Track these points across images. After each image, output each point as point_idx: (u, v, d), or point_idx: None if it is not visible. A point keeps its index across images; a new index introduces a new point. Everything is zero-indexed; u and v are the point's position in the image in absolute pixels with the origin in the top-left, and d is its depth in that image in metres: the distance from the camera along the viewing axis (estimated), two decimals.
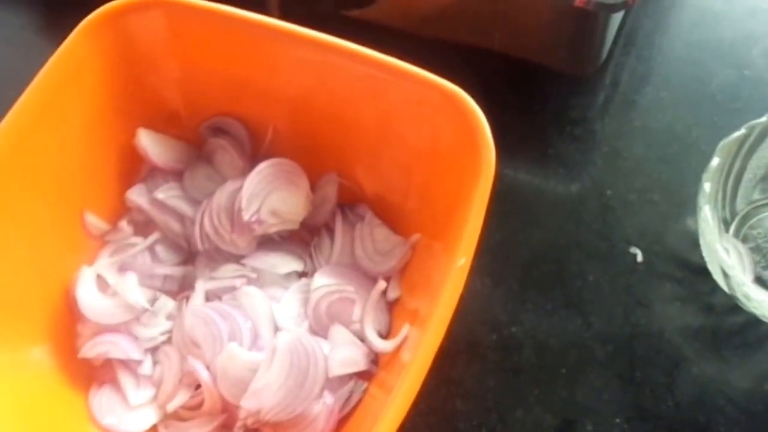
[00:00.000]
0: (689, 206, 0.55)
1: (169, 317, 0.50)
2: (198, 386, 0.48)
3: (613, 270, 0.54)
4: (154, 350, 0.50)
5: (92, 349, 0.49)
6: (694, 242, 0.53)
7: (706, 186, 0.49)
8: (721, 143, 0.50)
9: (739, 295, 0.49)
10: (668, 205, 0.57)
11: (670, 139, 0.59)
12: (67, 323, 0.50)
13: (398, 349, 0.45)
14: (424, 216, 0.49)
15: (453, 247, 0.42)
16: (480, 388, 0.51)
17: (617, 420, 0.49)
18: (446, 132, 0.46)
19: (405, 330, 0.45)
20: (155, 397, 0.48)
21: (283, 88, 0.51)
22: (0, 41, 0.68)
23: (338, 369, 0.45)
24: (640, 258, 0.54)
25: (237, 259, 0.51)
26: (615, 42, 0.62)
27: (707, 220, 0.48)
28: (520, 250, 0.56)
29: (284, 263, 0.51)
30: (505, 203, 0.55)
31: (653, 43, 0.64)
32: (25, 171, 0.47)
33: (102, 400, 0.48)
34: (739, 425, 0.49)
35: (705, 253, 0.51)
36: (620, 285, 0.54)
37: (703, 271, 0.52)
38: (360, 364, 0.46)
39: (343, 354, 0.46)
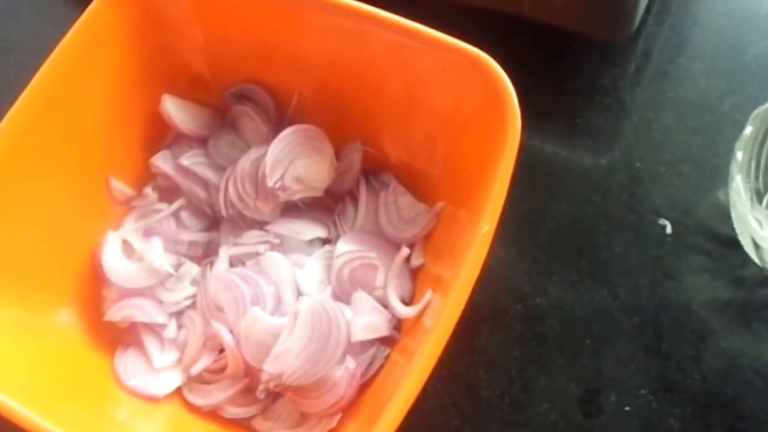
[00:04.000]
0: (720, 178, 0.54)
1: (194, 282, 0.51)
2: (221, 350, 0.48)
3: (641, 242, 0.53)
4: (178, 315, 0.50)
5: (117, 312, 0.49)
6: (725, 215, 0.52)
7: (739, 155, 0.48)
8: (755, 111, 0.49)
9: None
10: (699, 176, 0.56)
11: (702, 109, 0.58)
12: (93, 287, 0.50)
13: (421, 315, 0.45)
14: (448, 184, 0.49)
15: (477, 214, 0.41)
16: (503, 358, 0.51)
17: (642, 391, 0.49)
18: (472, 98, 0.45)
19: (428, 296, 0.44)
20: (179, 361, 0.49)
21: (309, 54, 0.50)
22: (25, 8, 0.68)
23: (361, 334, 0.45)
24: (669, 230, 0.54)
25: (261, 225, 0.51)
26: (648, 10, 0.61)
27: (739, 190, 0.47)
28: (546, 221, 0.55)
29: (308, 230, 0.51)
30: (531, 173, 0.54)
31: (688, 12, 0.63)
32: (50, 137, 0.47)
33: (127, 362, 0.48)
34: (767, 398, 0.48)
35: (736, 225, 0.50)
36: (648, 257, 0.53)
37: (734, 244, 0.51)
38: (382, 329, 0.46)
39: (366, 319, 0.46)
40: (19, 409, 0.39)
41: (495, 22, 0.58)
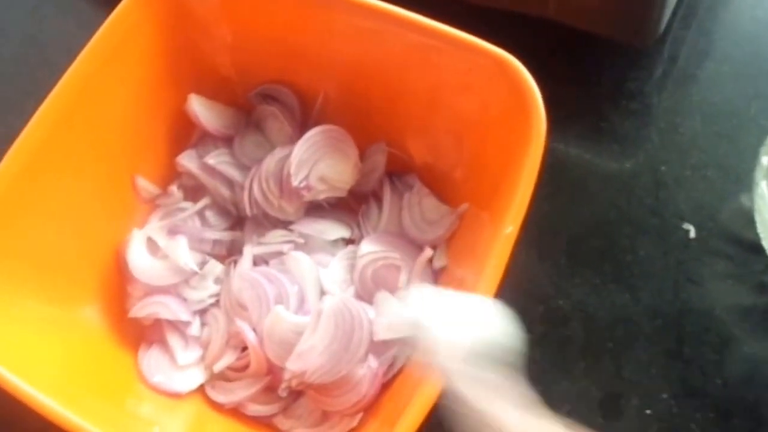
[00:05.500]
0: (745, 183, 0.54)
1: (217, 281, 0.51)
2: (244, 348, 0.48)
3: (664, 246, 0.53)
4: (202, 312, 0.51)
5: (142, 309, 0.50)
6: (749, 220, 0.51)
7: (764, 160, 0.48)
8: None
9: None
10: (723, 181, 0.55)
11: (728, 114, 0.58)
12: (118, 284, 0.51)
13: None
14: (472, 186, 0.49)
15: (500, 216, 0.41)
16: (525, 360, 0.50)
17: (664, 396, 0.49)
18: (497, 100, 0.45)
19: None
20: (202, 358, 0.49)
21: (334, 55, 0.51)
22: (52, 8, 0.69)
23: (383, 334, 0.45)
24: (692, 234, 0.53)
25: (285, 224, 0.52)
26: (675, 14, 0.60)
27: (764, 195, 0.47)
28: (569, 224, 0.55)
29: (332, 230, 0.51)
30: (555, 177, 0.54)
31: (716, 16, 0.62)
32: (78, 136, 0.48)
33: (151, 359, 0.49)
34: None
35: (760, 230, 0.50)
36: (671, 261, 0.53)
37: (757, 249, 0.50)
38: (405, 329, 0.46)
39: (388, 320, 0.46)
40: (47, 402, 0.40)
41: (520, 25, 0.58)
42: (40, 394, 0.40)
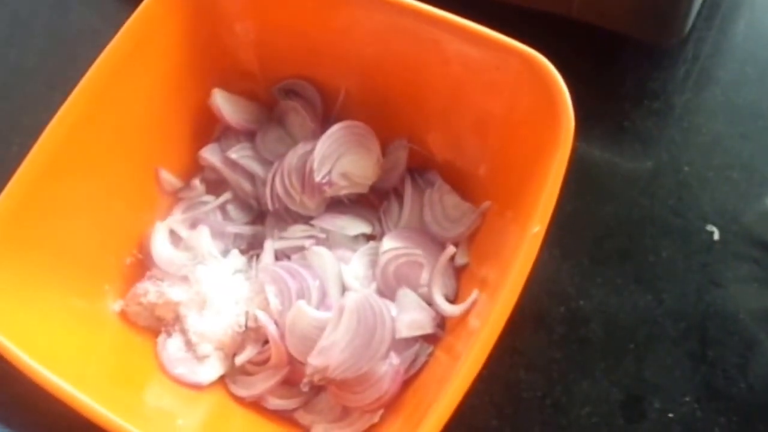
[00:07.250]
0: None
1: (238, 273, 0.51)
2: (266, 342, 0.48)
3: (687, 247, 0.53)
4: None
5: None
6: None
7: None
8: None
9: None
10: (747, 183, 0.55)
11: (752, 115, 0.57)
12: (140, 276, 0.51)
13: (466, 314, 0.45)
14: (495, 183, 0.49)
15: (527, 215, 0.41)
16: (545, 360, 0.50)
17: (686, 399, 0.48)
18: (524, 99, 0.45)
19: (474, 295, 0.44)
20: (223, 350, 0.49)
21: (356, 50, 0.51)
22: (76, 2, 0.69)
23: (405, 331, 0.45)
24: (716, 236, 0.53)
25: (306, 220, 0.52)
26: (699, 14, 0.60)
27: None
28: (590, 224, 0.55)
29: (353, 225, 0.51)
30: (577, 176, 0.53)
31: (739, 17, 0.62)
32: (103, 129, 0.48)
33: (172, 350, 0.49)
34: None
35: None
36: (695, 263, 0.52)
37: None
38: (426, 327, 0.46)
39: (410, 317, 0.46)
40: (74, 392, 0.40)
41: (542, 23, 0.57)
42: (67, 384, 0.40)
